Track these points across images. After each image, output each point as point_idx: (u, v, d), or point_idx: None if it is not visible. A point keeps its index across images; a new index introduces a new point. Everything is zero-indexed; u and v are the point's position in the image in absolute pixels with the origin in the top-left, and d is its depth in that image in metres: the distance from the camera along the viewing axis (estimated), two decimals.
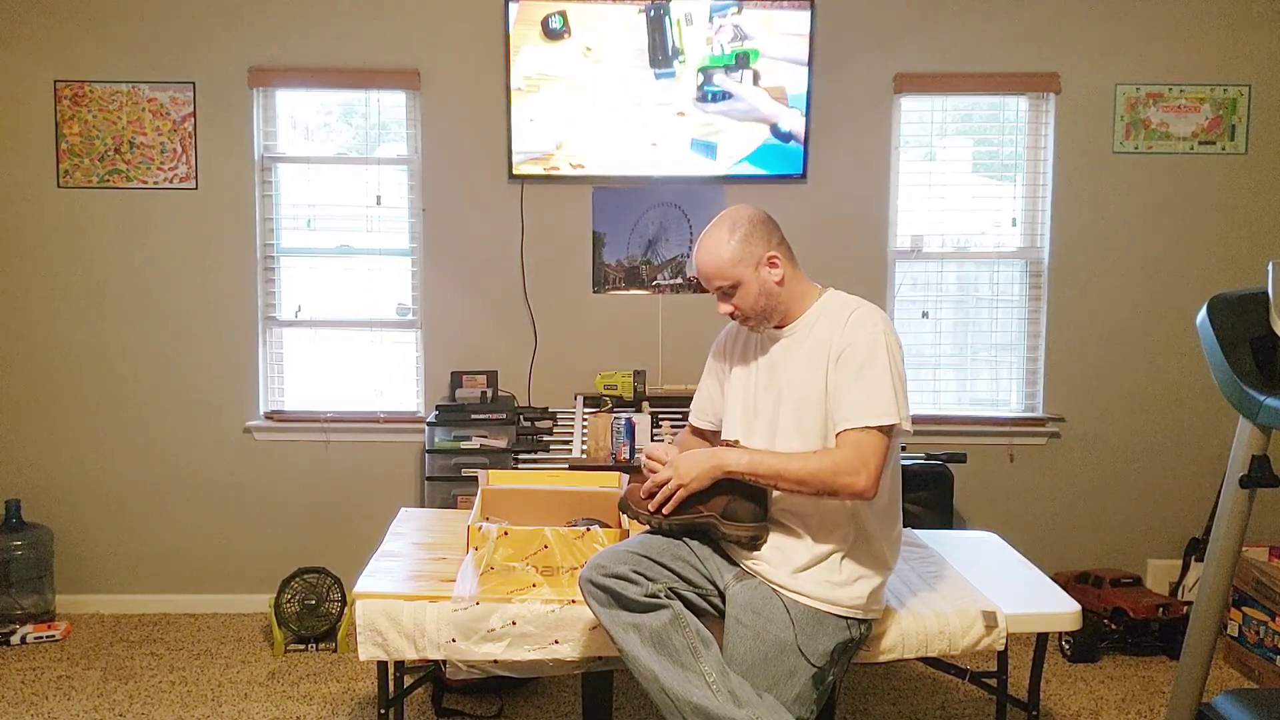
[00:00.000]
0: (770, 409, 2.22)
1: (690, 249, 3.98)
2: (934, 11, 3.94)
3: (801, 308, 2.22)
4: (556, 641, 2.30)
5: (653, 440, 3.35)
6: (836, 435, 2.08)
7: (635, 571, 2.12)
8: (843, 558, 2.15)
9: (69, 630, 3.81)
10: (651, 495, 2.20)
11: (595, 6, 3.75)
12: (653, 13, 3.66)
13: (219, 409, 4.01)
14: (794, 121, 3.82)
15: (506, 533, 2.35)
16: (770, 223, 2.22)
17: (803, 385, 2.15)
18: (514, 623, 2.29)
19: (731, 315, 2.23)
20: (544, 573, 2.37)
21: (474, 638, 2.29)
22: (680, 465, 2.15)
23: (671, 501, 2.17)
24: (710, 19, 3.75)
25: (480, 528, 2.35)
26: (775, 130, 3.81)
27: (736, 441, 2.22)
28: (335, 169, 4.06)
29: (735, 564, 2.24)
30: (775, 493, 2.18)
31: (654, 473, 2.21)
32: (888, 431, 2.06)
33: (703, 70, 3.77)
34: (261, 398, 4.06)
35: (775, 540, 2.19)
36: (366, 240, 4.07)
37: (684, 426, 3.46)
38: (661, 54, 3.74)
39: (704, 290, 3.97)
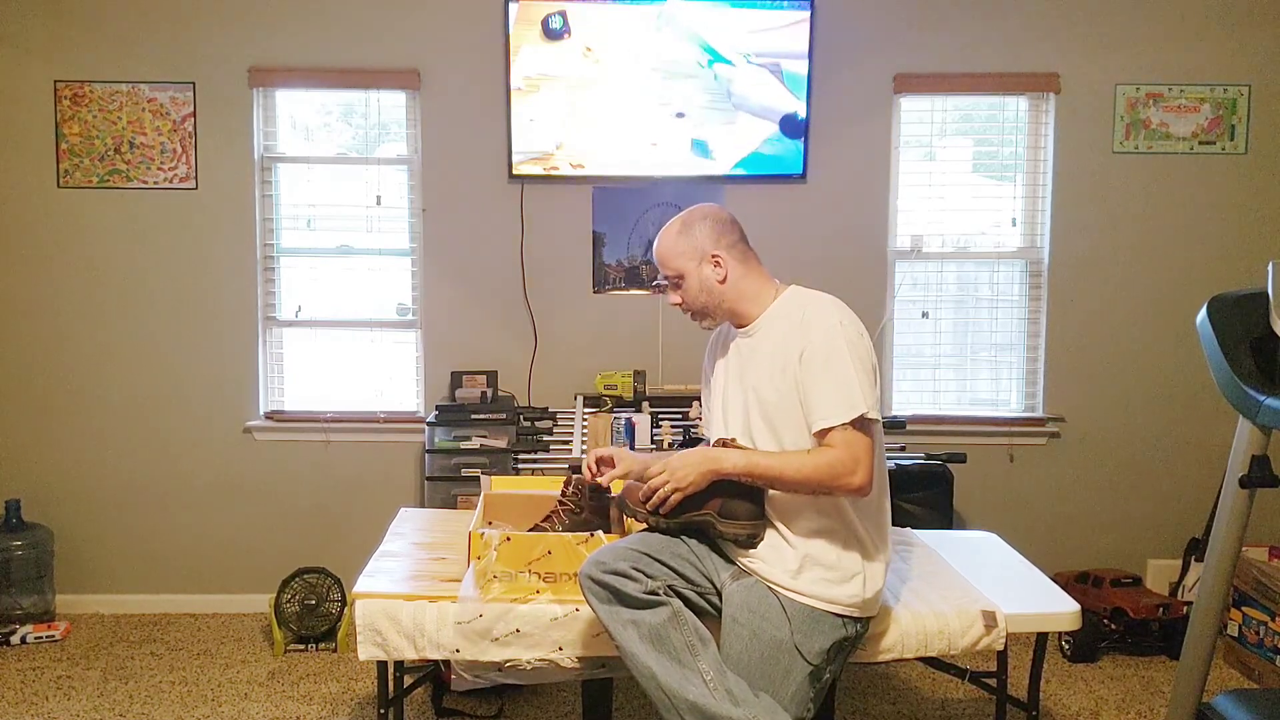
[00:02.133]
0: (740, 412, 2.23)
1: None
2: (934, 11, 3.94)
3: (759, 308, 2.24)
4: (560, 648, 2.30)
5: (652, 440, 3.35)
6: (815, 434, 2.08)
7: (635, 568, 2.12)
8: (836, 555, 2.15)
9: (69, 630, 3.81)
10: (648, 498, 2.20)
11: (595, 6, 3.75)
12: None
13: (219, 409, 4.01)
14: (794, 120, 3.83)
15: (509, 539, 2.34)
16: (726, 224, 2.26)
17: (770, 389, 2.15)
18: (517, 630, 2.29)
19: (680, 308, 2.31)
20: (546, 579, 2.36)
21: (479, 645, 2.29)
22: (675, 468, 2.15)
23: (667, 504, 2.17)
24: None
25: (482, 534, 2.35)
26: (783, 121, 3.81)
27: (733, 440, 2.22)
28: (335, 169, 4.06)
29: (732, 563, 2.24)
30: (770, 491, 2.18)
31: (599, 472, 2.36)
32: (866, 424, 2.07)
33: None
34: (261, 398, 4.06)
35: (768, 539, 2.19)
36: (366, 240, 4.07)
37: (683, 427, 3.49)
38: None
39: None
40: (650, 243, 3.99)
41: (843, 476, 2.05)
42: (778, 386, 2.14)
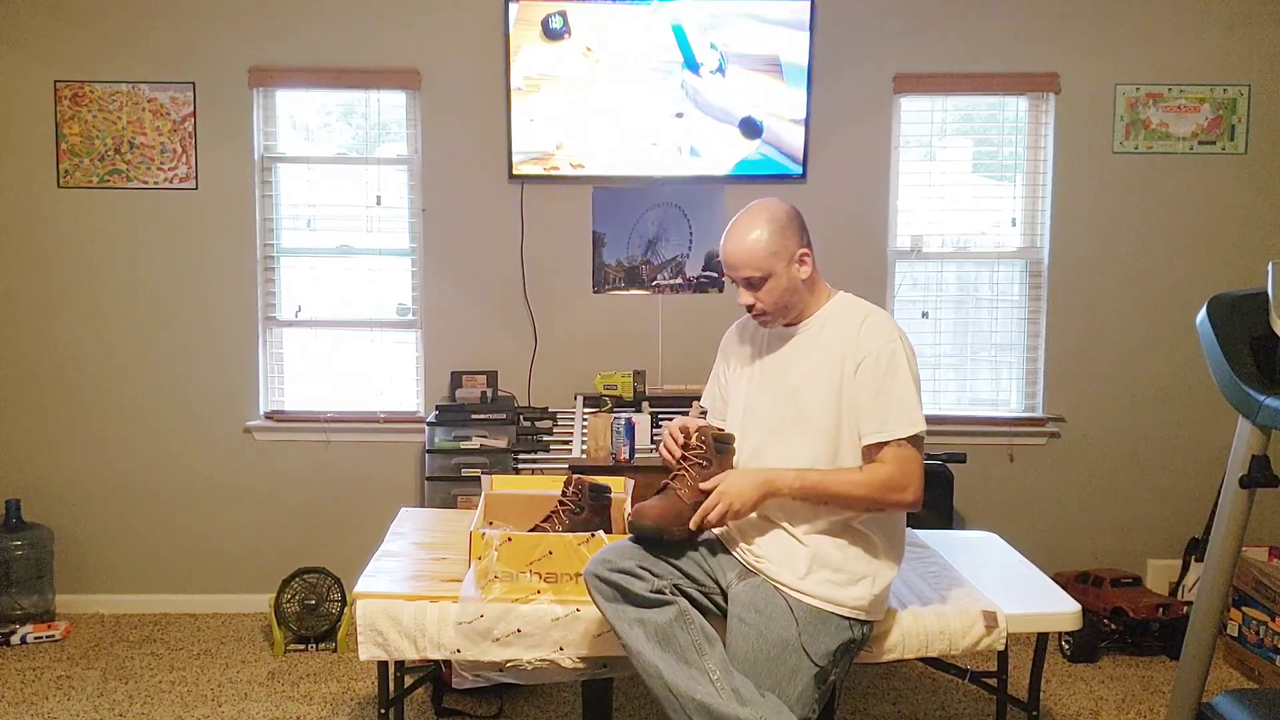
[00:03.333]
0: (770, 407, 2.22)
1: (690, 249, 3.98)
2: (934, 11, 3.93)
3: (815, 307, 2.25)
4: (561, 648, 2.30)
5: (652, 440, 3.35)
6: (869, 448, 2.12)
7: (641, 567, 2.13)
8: (844, 557, 2.16)
9: (69, 630, 3.81)
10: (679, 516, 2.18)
11: (595, 6, 3.75)
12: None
13: (219, 409, 4.01)
14: (794, 120, 3.82)
15: (510, 539, 2.34)
16: (802, 219, 2.25)
17: (812, 390, 2.16)
18: (518, 630, 2.29)
19: (750, 308, 2.23)
20: (547, 579, 2.36)
21: (480, 645, 2.29)
22: (730, 492, 2.12)
23: (724, 520, 2.15)
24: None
25: (483, 534, 2.35)
26: (742, 124, 3.81)
27: (730, 433, 2.22)
28: (335, 169, 4.06)
29: (738, 563, 2.24)
30: (771, 500, 2.17)
31: (671, 448, 2.23)
32: (919, 441, 2.12)
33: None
34: (261, 398, 4.06)
35: (777, 539, 2.19)
36: (366, 240, 4.07)
37: None
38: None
39: (704, 290, 3.99)
40: (650, 242, 3.99)
41: (895, 493, 2.10)
42: (819, 388, 2.15)
